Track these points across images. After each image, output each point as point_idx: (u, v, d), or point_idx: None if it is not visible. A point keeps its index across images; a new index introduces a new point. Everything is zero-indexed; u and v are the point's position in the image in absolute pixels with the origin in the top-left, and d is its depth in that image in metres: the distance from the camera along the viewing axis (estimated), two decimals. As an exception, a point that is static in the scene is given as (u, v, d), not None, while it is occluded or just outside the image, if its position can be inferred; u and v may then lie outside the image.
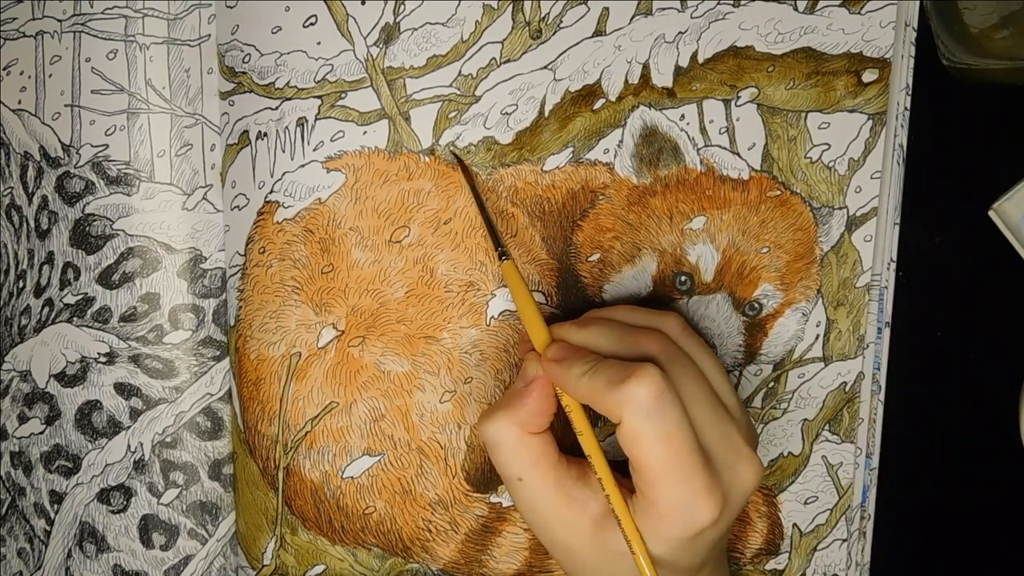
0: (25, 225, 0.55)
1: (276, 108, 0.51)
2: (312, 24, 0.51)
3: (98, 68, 0.53)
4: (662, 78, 0.51)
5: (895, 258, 0.53)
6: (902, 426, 0.55)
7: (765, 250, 0.52)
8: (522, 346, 0.52)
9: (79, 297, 0.54)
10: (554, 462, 0.47)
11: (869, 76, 0.51)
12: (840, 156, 0.52)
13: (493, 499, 0.53)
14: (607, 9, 0.51)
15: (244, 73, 0.52)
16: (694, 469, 0.43)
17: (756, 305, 0.53)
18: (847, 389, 0.54)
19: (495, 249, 0.50)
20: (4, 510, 0.57)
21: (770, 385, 0.54)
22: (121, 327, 0.54)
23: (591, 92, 0.51)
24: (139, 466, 0.54)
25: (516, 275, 0.49)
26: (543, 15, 0.51)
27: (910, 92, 0.52)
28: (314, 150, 0.52)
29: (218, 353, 0.54)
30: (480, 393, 0.53)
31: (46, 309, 0.55)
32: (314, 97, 0.51)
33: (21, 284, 0.55)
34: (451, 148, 0.51)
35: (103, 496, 0.55)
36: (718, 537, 0.46)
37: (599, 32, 0.51)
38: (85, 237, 0.54)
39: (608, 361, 0.45)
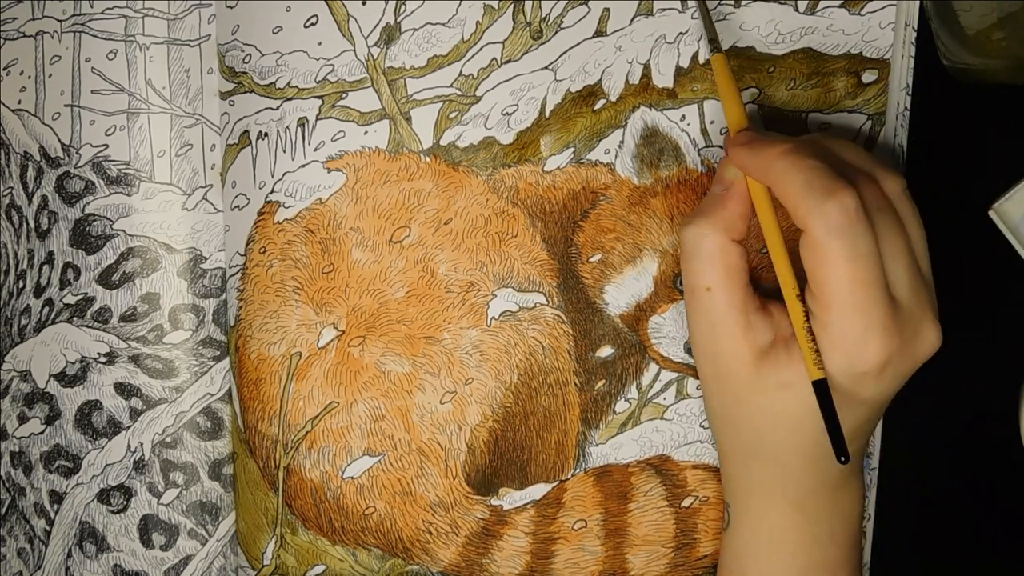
0: (25, 225, 0.55)
1: (277, 108, 0.51)
2: (313, 24, 0.51)
3: (98, 68, 0.53)
4: (663, 79, 0.51)
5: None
6: (902, 426, 0.55)
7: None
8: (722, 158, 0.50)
9: (79, 297, 0.54)
10: (745, 280, 0.46)
11: (869, 76, 0.51)
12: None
13: (494, 502, 0.53)
14: (608, 10, 0.51)
15: (244, 73, 0.52)
16: (873, 301, 0.43)
17: (756, 305, 0.53)
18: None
19: (708, 40, 0.49)
20: (4, 510, 0.57)
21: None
22: (121, 327, 0.54)
23: (592, 92, 0.51)
24: (139, 466, 0.54)
25: (725, 68, 0.48)
26: (544, 15, 0.51)
27: (910, 92, 0.52)
28: (315, 150, 0.52)
29: (218, 353, 0.54)
30: (480, 394, 0.53)
31: (46, 309, 0.54)
32: (315, 97, 0.51)
33: (21, 284, 0.55)
34: None
35: (103, 496, 0.55)
36: (877, 396, 0.45)
37: (600, 32, 0.51)
38: (85, 237, 0.54)
39: (810, 162, 0.43)
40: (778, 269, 0.45)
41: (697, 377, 0.53)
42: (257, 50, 0.51)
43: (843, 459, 0.43)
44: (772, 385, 0.45)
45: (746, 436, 0.47)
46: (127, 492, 0.55)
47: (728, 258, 0.45)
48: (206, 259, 0.54)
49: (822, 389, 0.43)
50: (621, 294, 0.52)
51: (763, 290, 0.47)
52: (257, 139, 0.52)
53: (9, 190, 0.55)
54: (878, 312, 0.43)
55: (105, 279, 0.54)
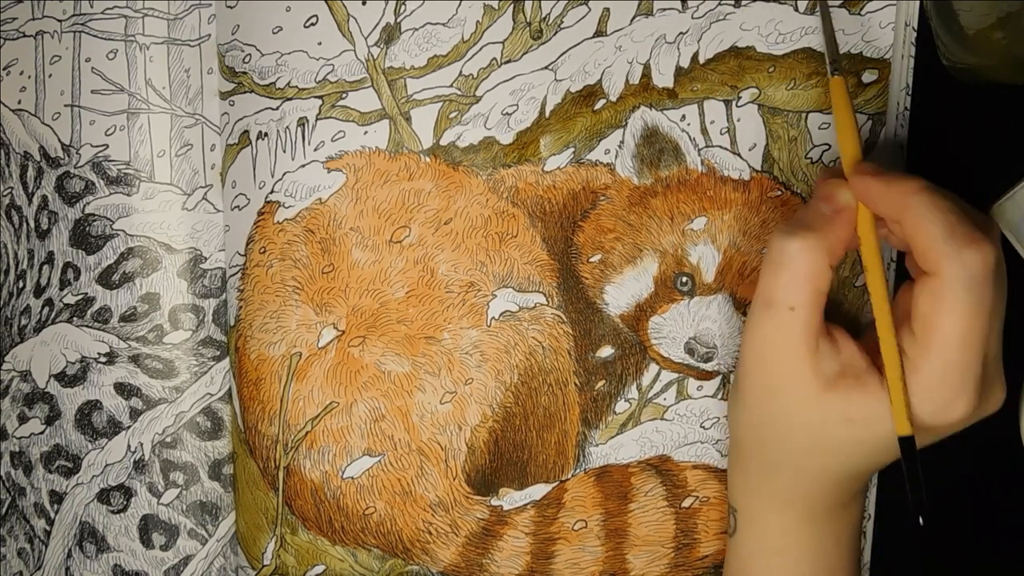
0: (25, 225, 0.55)
1: (277, 108, 0.51)
2: (313, 24, 0.51)
3: (98, 68, 0.53)
4: (663, 79, 0.51)
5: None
6: (902, 426, 0.55)
7: (766, 251, 0.52)
8: (823, 173, 0.49)
9: (79, 297, 0.54)
10: (823, 306, 0.44)
11: (869, 76, 0.51)
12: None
13: (494, 502, 0.53)
14: (608, 9, 0.51)
15: (244, 73, 0.52)
16: (977, 360, 0.42)
17: (757, 305, 0.53)
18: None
19: (829, 62, 0.48)
20: (4, 510, 0.57)
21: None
22: (121, 327, 0.54)
23: (592, 92, 0.51)
24: (139, 466, 0.54)
25: (844, 93, 0.47)
26: (544, 15, 0.51)
27: (910, 92, 0.52)
28: (315, 150, 0.52)
29: (218, 353, 0.54)
30: (480, 394, 0.53)
31: (46, 309, 0.54)
32: (315, 97, 0.51)
33: (21, 284, 0.55)
34: None
35: (103, 496, 0.55)
36: (931, 440, 0.45)
37: (600, 32, 0.51)
38: (85, 237, 0.54)
39: (950, 204, 0.42)
40: (877, 307, 0.44)
41: (699, 378, 0.53)
42: (257, 50, 0.51)
43: (921, 520, 0.43)
44: (837, 417, 0.44)
45: (783, 452, 0.46)
46: (127, 492, 0.55)
47: (821, 280, 0.44)
48: (206, 259, 0.54)
49: (909, 446, 0.43)
50: (621, 294, 0.52)
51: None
52: (257, 139, 0.52)
53: (9, 190, 0.55)
54: (976, 371, 0.42)
55: (105, 279, 0.54)
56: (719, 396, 0.53)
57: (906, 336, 0.43)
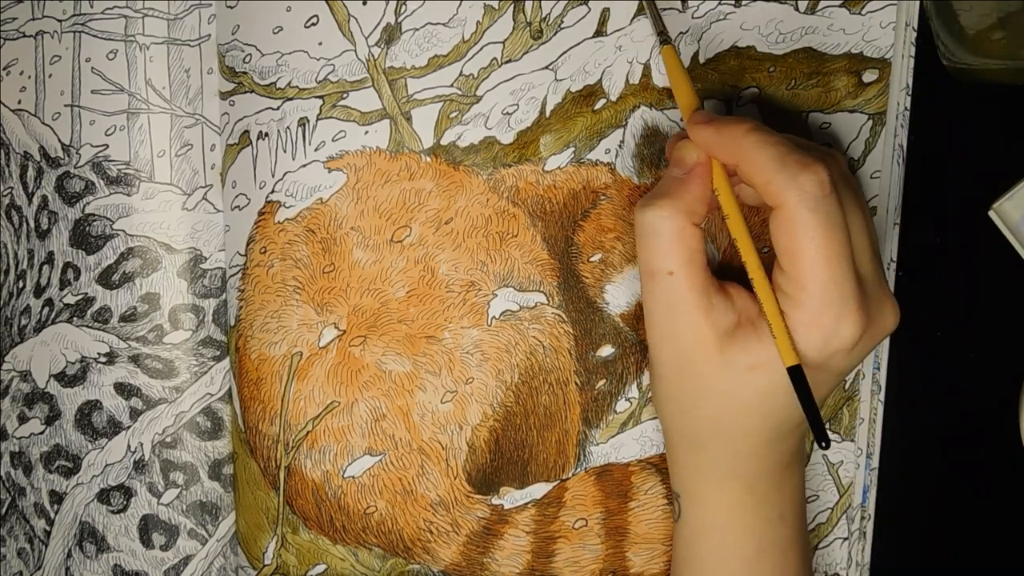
0: (25, 225, 0.55)
1: (277, 108, 0.51)
2: (313, 24, 0.51)
3: (98, 68, 0.53)
4: (663, 78, 0.51)
5: (895, 258, 0.54)
6: (902, 426, 0.55)
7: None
8: (672, 140, 0.49)
9: (79, 297, 0.54)
10: (704, 262, 0.45)
11: (869, 76, 0.52)
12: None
13: (495, 501, 0.53)
14: (608, 9, 0.51)
15: (245, 73, 0.52)
16: (847, 278, 0.43)
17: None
18: (846, 387, 0.54)
19: (656, 32, 0.49)
20: (4, 510, 0.56)
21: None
22: (121, 327, 0.54)
23: (592, 92, 0.51)
24: (139, 466, 0.54)
25: (674, 57, 0.48)
26: (544, 15, 0.51)
27: (910, 92, 0.52)
28: (315, 150, 0.52)
29: (218, 353, 0.54)
30: (481, 393, 0.53)
31: (46, 309, 0.54)
32: (315, 97, 0.51)
33: (21, 284, 0.55)
34: None
35: (103, 496, 0.55)
36: (844, 370, 0.45)
37: (600, 32, 0.51)
38: (85, 237, 0.54)
39: (778, 138, 0.43)
40: (744, 250, 0.45)
41: None
42: (257, 50, 0.51)
43: (824, 444, 0.44)
44: (740, 367, 0.45)
45: (704, 420, 0.47)
46: (127, 492, 0.55)
47: (690, 240, 0.45)
48: (206, 259, 0.54)
49: (798, 375, 0.44)
50: (622, 293, 0.52)
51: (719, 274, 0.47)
52: (257, 139, 0.52)
53: (9, 190, 0.55)
54: (852, 286, 0.43)
55: (105, 279, 0.54)
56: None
57: (779, 275, 0.44)
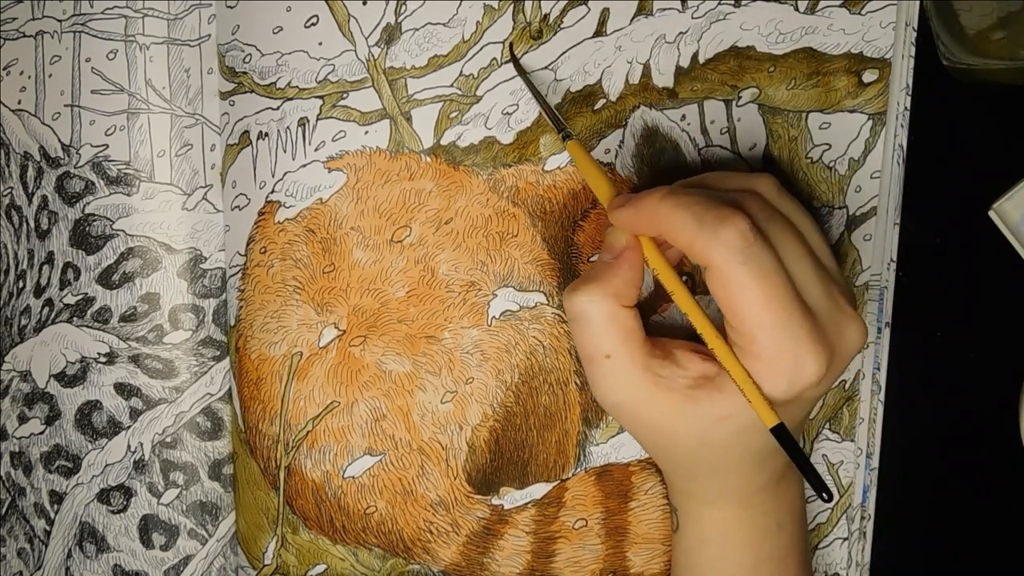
0: (25, 225, 0.55)
1: (277, 108, 0.51)
2: (313, 24, 0.51)
3: (98, 68, 0.53)
4: (663, 78, 0.51)
5: (895, 258, 0.54)
6: (902, 426, 0.55)
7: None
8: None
9: (79, 297, 0.54)
10: (642, 339, 0.45)
11: (869, 76, 0.51)
12: (840, 156, 0.52)
13: (495, 501, 0.53)
14: (608, 9, 0.51)
15: (245, 73, 0.52)
16: (795, 317, 0.42)
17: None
18: (846, 387, 0.54)
19: (558, 132, 0.49)
20: (4, 510, 0.56)
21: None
22: (121, 327, 0.54)
23: (592, 92, 0.51)
24: (139, 466, 0.54)
25: (581, 151, 0.48)
26: (544, 15, 0.51)
27: (910, 92, 0.52)
28: (315, 150, 0.52)
29: (218, 353, 0.54)
30: (481, 393, 0.53)
31: (46, 309, 0.54)
32: (315, 97, 0.51)
33: (21, 284, 0.55)
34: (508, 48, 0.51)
35: (103, 496, 0.55)
36: (815, 398, 0.45)
37: (600, 32, 0.51)
38: (85, 237, 0.54)
39: (692, 197, 0.43)
40: (697, 324, 0.44)
41: None
42: (257, 50, 0.51)
43: (826, 497, 0.43)
44: (709, 419, 0.45)
45: (688, 462, 0.47)
46: (127, 492, 0.55)
47: (624, 322, 0.45)
48: (206, 259, 0.54)
49: (784, 435, 0.43)
50: (622, 294, 0.52)
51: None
52: (257, 139, 0.52)
53: (9, 190, 0.55)
54: (801, 324, 0.42)
55: (105, 279, 0.54)
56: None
57: (730, 331, 0.43)
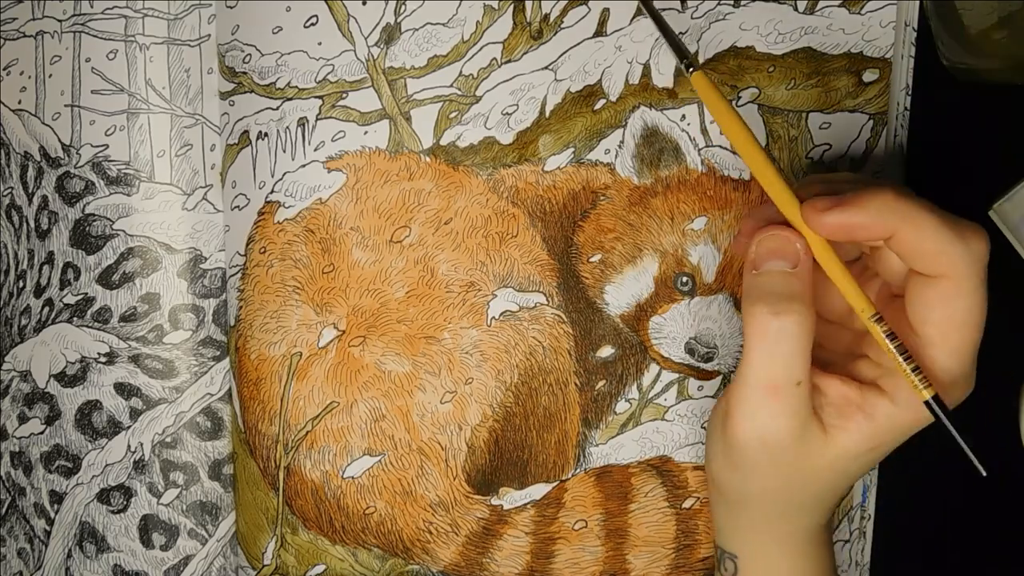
0: (25, 225, 0.55)
1: (277, 108, 0.51)
2: (313, 24, 0.51)
3: (98, 68, 0.53)
4: (663, 78, 0.51)
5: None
6: (902, 426, 0.55)
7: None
8: (747, 229, 0.44)
9: (79, 297, 0.54)
10: None
11: (869, 76, 0.51)
12: (840, 156, 0.52)
13: (494, 501, 0.53)
14: (608, 10, 0.51)
15: (244, 73, 0.52)
16: (977, 346, 0.41)
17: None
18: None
19: (681, 61, 0.44)
20: (4, 510, 0.57)
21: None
22: (121, 327, 0.54)
23: (592, 92, 0.51)
24: (139, 466, 0.54)
25: (755, 147, 0.43)
26: (544, 15, 0.51)
27: (910, 92, 0.52)
28: (315, 150, 0.52)
29: (218, 353, 0.54)
30: (481, 394, 0.53)
31: (46, 309, 0.54)
32: (315, 97, 0.51)
33: (21, 284, 0.55)
34: None
35: (103, 496, 0.55)
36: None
37: (600, 33, 0.51)
38: (85, 237, 0.54)
39: (924, 201, 0.39)
40: (872, 329, 0.41)
41: (700, 378, 0.53)
42: (257, 50, 0.51)
43: (984, 472, 0.42)
44: (856, 452, 0.42)
45: (794, 504, 0.45)
46: (127, 492, 0.55)
47: (809, 346, 0.41)
48: (206, 259, 0.54)
49: (943, 408, 0.41)
50: (621, 294, 0.52)
51: None
52: (257, 139, 0.52)
53: (9, 190, 0.55)
54: (975, 356, 0.41)
55: (105, 279, 0.54)
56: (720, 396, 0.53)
57: (916, 343, 0.41)
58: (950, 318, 0.40)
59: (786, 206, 0.42)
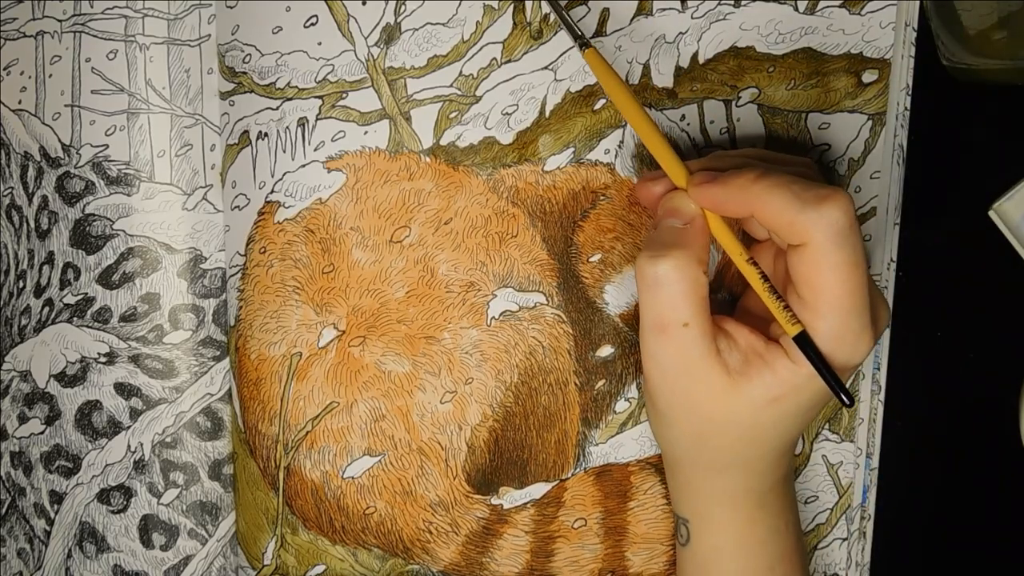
0: (25, 225, 0.55)
1: (277, 108, 0.51)
2: (313, 24, 0.51)
3: (98, 68, 0.53)
4: (663, 79, 0.51)
5: (895, 258, 0.54)
6: (902, 426, 0.55)
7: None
8: (642, 190, 0.49)
9: (79, 297, 0.54)
10: (709, 311, 0.45)
11: (869, 76, 0.51)
12: (840, 156, 0.52)
13: (494, 501, 0.54)
14: (608, 9, 0.51)
15: (244, 73, 0.52)
16: (866, 304, 0.43)
17: (756, 305, 0.53)
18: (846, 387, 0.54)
19: (575, 41, 0.48)
20: (4, 510, 0.57)
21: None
22: (121, 327, 0.54)
23: (592, 92, 0.51)
24: (139, 466, 0.54)
25: (647, 122, 0.47)
26: (544, 15, 0.51)
27: (910, 92, 0.52)
28: (315, 150, 0.52)
29: (218, 353, 0.54)
30: (481, 394, 0.53)
31: (46, 309, 0.54)
32: (315, 97, 0.51)
33: (21, 284, 0.55)
34: None
35: (103, 496, 0.55)
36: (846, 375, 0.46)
37: (600, 32, 0.51)
38: (85, 237, 0.54)
39: (786, 177, 0.43)
40: (762, 294, 0.45)
41: None
42: (257, 50, 0.51)
43: (848, 402, 0.44)
44: (760, 401, 0.45)
45: (722, 450, 0.47)
46: (127, 492, 0.55)
47: (702, 289, 0.44)
48: (206, 259, 0.54)
49: (807, 342, 0.44)
50: (621, 294, 0.52)
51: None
52: (257, 139, 0.52)
53: (9, 190, 0.55)
54: (867, 310, 0.43)
55: (105, 279, 0.54)
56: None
57: (794, 302, 0.44)
58: (818, 281, 0.43)
59: (677, 178, 0.46)
